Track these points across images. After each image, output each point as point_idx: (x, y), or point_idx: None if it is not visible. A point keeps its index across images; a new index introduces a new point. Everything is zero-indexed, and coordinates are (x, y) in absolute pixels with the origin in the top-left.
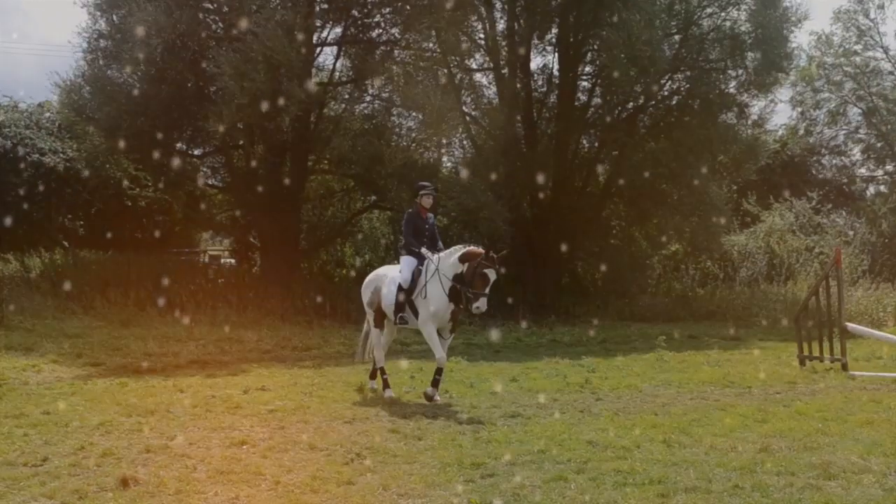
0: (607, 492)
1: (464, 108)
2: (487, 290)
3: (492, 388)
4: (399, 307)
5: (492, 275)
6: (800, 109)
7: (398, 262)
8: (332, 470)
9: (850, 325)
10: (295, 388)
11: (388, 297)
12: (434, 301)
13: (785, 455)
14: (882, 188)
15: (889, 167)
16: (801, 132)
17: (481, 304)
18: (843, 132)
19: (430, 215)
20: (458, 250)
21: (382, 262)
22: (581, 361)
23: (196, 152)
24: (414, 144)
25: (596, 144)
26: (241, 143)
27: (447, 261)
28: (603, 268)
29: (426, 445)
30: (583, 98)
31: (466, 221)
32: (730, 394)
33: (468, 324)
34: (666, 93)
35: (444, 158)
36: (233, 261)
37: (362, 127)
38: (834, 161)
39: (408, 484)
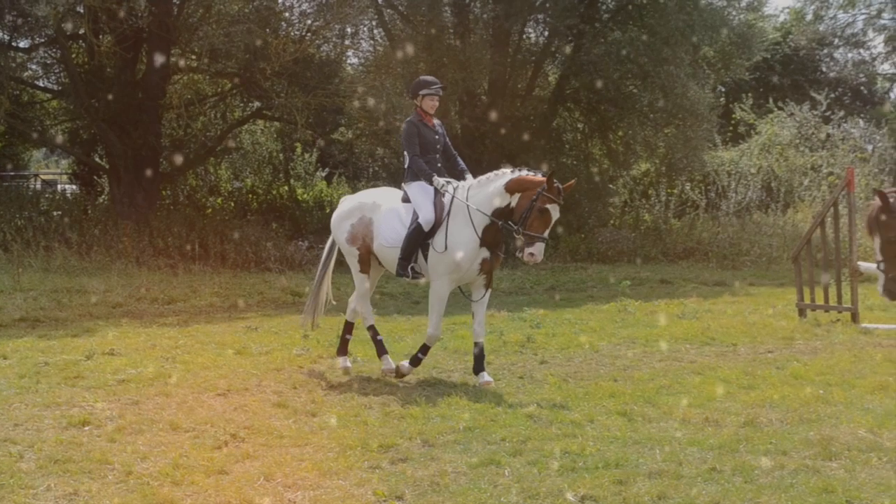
0: (550, 478)
1: None
2: (547, 233)
3: (407, 348)
4: (409, 254)
5: (555, 212)
6: None
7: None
8: (200, 456)
9: (864, 265)
10: (153, 351)
11: (391, 237)
12: (460, 245)
13: (776, 430)
14: None
15: None
16: (809, 17)
17: (538, 252)
18: (863, 17)
19: (438, 122)
20: (501, 176)
21: (270, 188)
22: (522, 314)
23: (21, 44)
24: (309, 35)
25: (545, 34)
26: (81, 32)
27: (484, 189)
28: None
29: (321, 423)
30: None
31: (376, 134)
32: (710, 353)
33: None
34: None
35: (349, 53)
36: (73, 187)
37: (241, 11)
38: (850, 55)
39: (297, 472)
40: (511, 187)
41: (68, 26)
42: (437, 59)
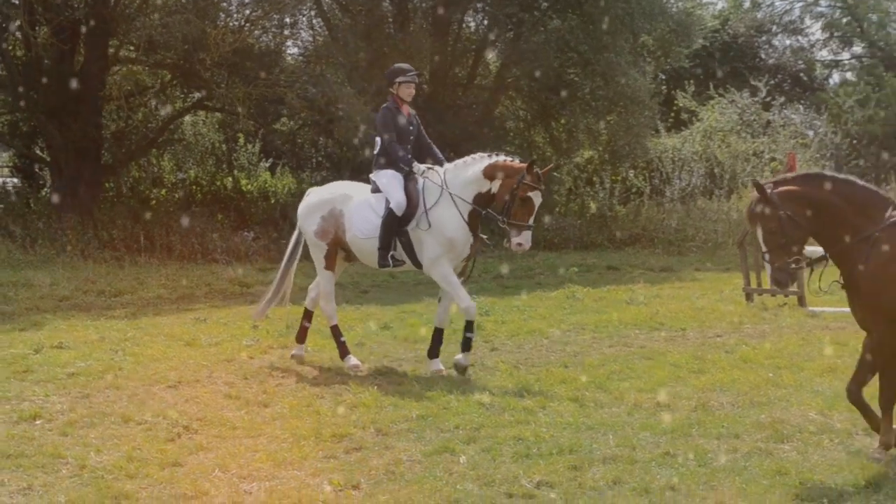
0: (505, 465)
1: None
2: (532, 221)
3: (357, 338)
4: (388, 242)
5: (538, 198)
6: None
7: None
8: (153, 448)
9: (809, 249)
10: (102, 344)
11: (365, 228)
12: (449, 228)
13: (727, 413)
14: (849, 75)
15: (857, 48)
16: (747, 5)
17: (525, 240)
18: (800, 4)
19: (412, 112)
20: (478, 160)
21: (214, 179)
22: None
23: None
24: (248, 24)
25: (485, 23)
26: (17, 23)
27: (461, 174)
28: None
29: (274, 414)
30: None
31: (317, 123)
32: (659, 338)
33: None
34: None
35: (289, 43)
36: (15, 181)
37: (179, 1)
38: (788, 42)
39: (251, 463)
40: (489, 172)
41: (3, 16)
42: (377, 48)
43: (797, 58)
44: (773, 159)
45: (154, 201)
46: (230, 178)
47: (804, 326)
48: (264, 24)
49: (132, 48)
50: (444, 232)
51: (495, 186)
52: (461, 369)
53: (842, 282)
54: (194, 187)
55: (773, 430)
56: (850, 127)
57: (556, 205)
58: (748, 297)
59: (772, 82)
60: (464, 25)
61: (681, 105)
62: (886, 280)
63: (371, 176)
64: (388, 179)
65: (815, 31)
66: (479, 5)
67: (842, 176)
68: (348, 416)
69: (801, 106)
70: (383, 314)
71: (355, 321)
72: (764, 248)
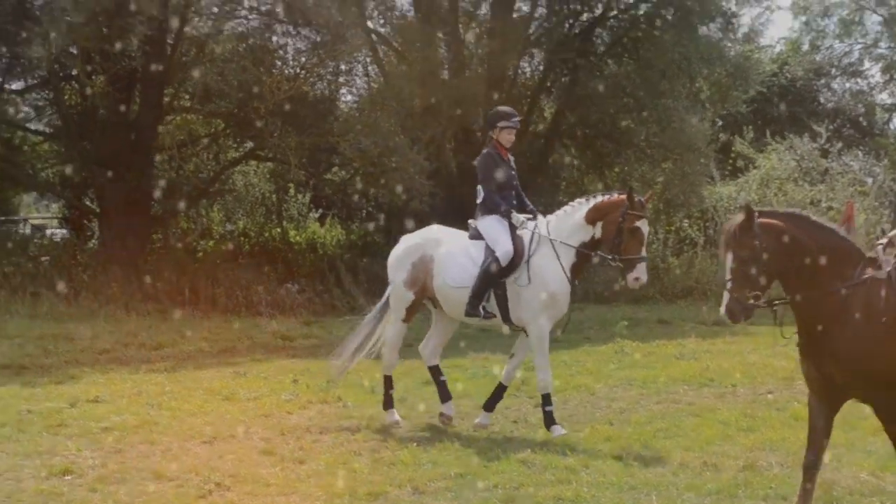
0: None
1: (368, 22)
2: (644, 252)
3: (399, 393)
4: (483, 292)
5: (645, 227)
6: (803, 18)
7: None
8: None
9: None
10: (139, 398)
11: (458, 276)
12: (551, 283)
13: (775, 474)
14: None
15: None
16: (805, 47)
17: (642, 273)
18: (859, 46)
19: (511, 158)
20: (577, 207)
21: (263, 230)
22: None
23: (14, 86)
24: (303, 72)
25: (541, 69)
26: (74, 72)
27: (564, 225)
28: None
29: (310, 471)
30: (524, 8)
31: (370, 174)
32: (708, 395)
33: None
34: None
35: (343, 91)
36: (63, 232)
37: (235, 49)
38: (847, 85)
39: None
40: (591, 217)
41: (62, 67)
42: (432, 94)
43: (857, 101)
44: (830, 208)
45: (201, 253)
46: (279, 230)
47: None
48: (319, 72)
49: (187, 97)
50: (546, 287)
51: (598, 230)
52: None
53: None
54: (242, 238)
55: (822, 491)
56: None
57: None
58: None
59: (831, 127)
60: (519, 71)
61: (737, 152)
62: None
63: (472, 222)
64: (494, 226)
65: (875, 73)
66: (534, 51)
67: (824, 222)
68: (386, 474)
69: (860, 152)
70: (425, 369)
71: (398, 375)
72: (728, 276)
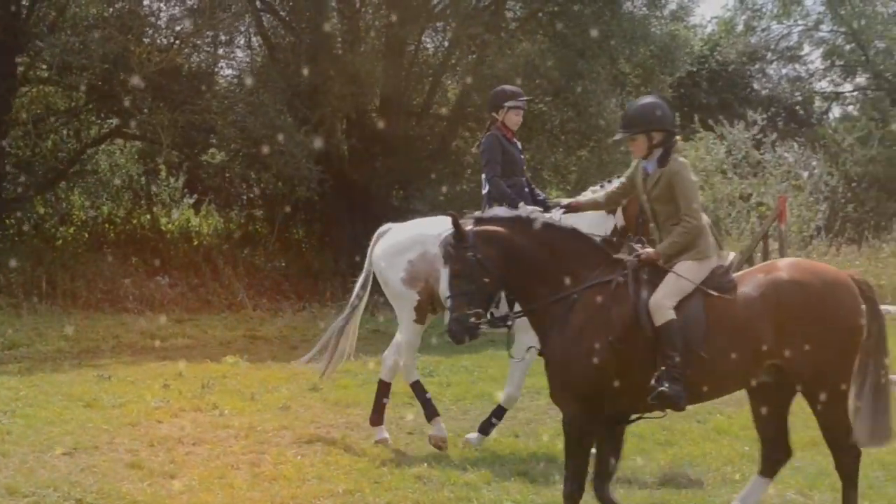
0: None
1: None
2: None
3: (282, 400)
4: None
5: None
6: None
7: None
8: None
9: None
10: None
11: None
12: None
13: (695, 492)
14: (850, 109)
15: (861, 79)
16: (740, 28)
17: None
18: (799, 29)
19: (518, 143)
20: (594, 195)
21: (130, 217)
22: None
23: None
24: (178, 42)
25: (445, 44)
26: None
27: (582, 215)
28: None
29: (181, 487)
30: None
31: (252, 156)
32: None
33: (252, 308)
34: None
35: (222, 63)
36: None
37: (100, 15)
38: (784, 71)
39: None
40: (610, 202)
41: None
42: (323, 70)
43: (794, 89)
44: (760, 203)
45: (60, 241)
46: (148, 216)
47: None
48: (196, 42)
49: (44, 67)
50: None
51: (619, 218)
52: (473, 445)
53: (538, 348)
54: (107, 226)
55: None
56: (850, 168)
57: None
58: None
59: (765, 116)
60: (421, 47)
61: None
62: (576, 352)
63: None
64: None
65: (815, 59)
66: (438, 24)
67: (559, 222)
68: (266, 490)
69: (795, 143)
70: (313, 374)
71: (281, 381)
72: (447, 293)
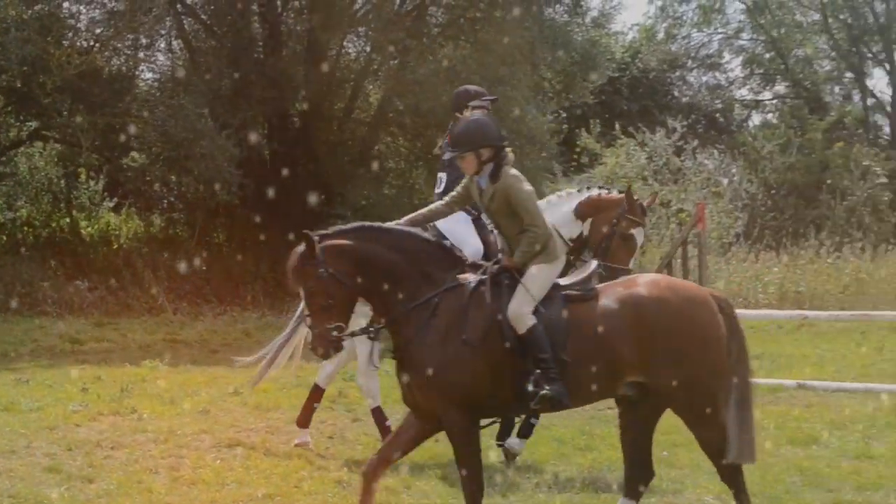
0: None
1: None
2: (633, 264)
3: (202, 404)
4: None
5: (640, 237)
6: (659, 3)
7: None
8: None
9: None
10: None
11: None
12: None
13: (615, 496)
14: (770, 117)
15: (780, 87)
16: (661, 36)
17: None
18: (719, 37)
19: None
20: (566, 198)
21: (49, 220)
22: None
23: None
24: (97, 45)
25: (367, 50)
26: None
27: (552, 212)
28: None
29: (100, 490)
30: None
31: (173, 160)
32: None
33: (172, 312)
34: None
35: (143, 67)
36: None
37: (19, 17)
38: (704, 78)
39: None
40: (583, 211)
41: None
42: (245, 74)
43: (714, 96)
44: (681, 210)
45: None
46: (67, 219)
47: None
48: (116, 45)
49: None
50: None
51: (587, 227)
52: (512, 456)
53: (394, 353)
54: (26, 228)
55: None
56: (769, 175)
57: None
58: None
59: (685, 123)
60: (343, 52)
61: (582, 146)
62: (442, 357)
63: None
64: (456, 222)
65: (735, 67)
66: (360, 30)
67: (408, 229)
68: (185, 495)
69: (715, 150)
70: (233, 377)
71: (201, 385)
72: (306, 311)
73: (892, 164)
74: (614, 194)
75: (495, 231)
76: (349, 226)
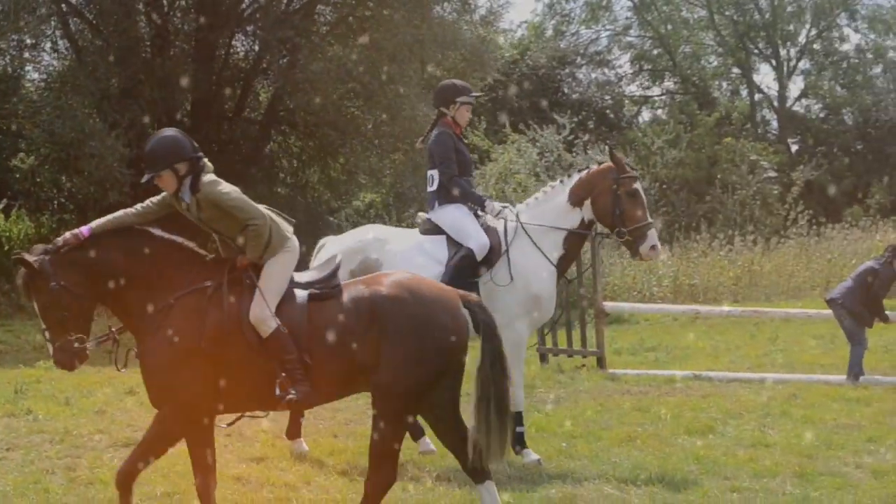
0: None
1: None
2: (650, 217)
3: (98, 404)
4: None
5: (640, 187)
6: (547, 0)
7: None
8: None
9: (610, 305)
10: None
11: None
12: (535, 282)
13: (514, 487)
14: (659, 113)
15: (668, 83)
16: (550, 33)
17: (656, 241)
18: (607, 34)
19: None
20: (556, 190)
21: None
22: None
23: None
24: None
25: (256, 48)
26: None
27: (545, 209)
28: None
29: None
30: None
31: (62, 161)
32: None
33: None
34: None
35: (29, 68)
36: None
37: None
38: (594, 75)
39: None
40: (576, 197)
41: None
42: (133, 74)
43: (603, 93)
44: None
45: None
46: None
47: (603, 391)
48: (0, 46)
49: None
50: (528, 287)
51: (587, 211)
52: (533, 461)
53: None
54: None
55: None
56: (659, 170)
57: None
58: (542, 357)
59: (575, 119)
60: (232, 51)
61: (472, 143)
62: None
63: (423, 214)
64: (459, 216)
65: (624, 63)
66: (249, 28)
67: (151, 230)
68: (82, 495)
69: (606, 146)
70: (129, 377)
71: (96, 385)
72: (43, 325)
73: (780, 158)
74: (595, 167)
75: (217, 239)
76: (77, 235)
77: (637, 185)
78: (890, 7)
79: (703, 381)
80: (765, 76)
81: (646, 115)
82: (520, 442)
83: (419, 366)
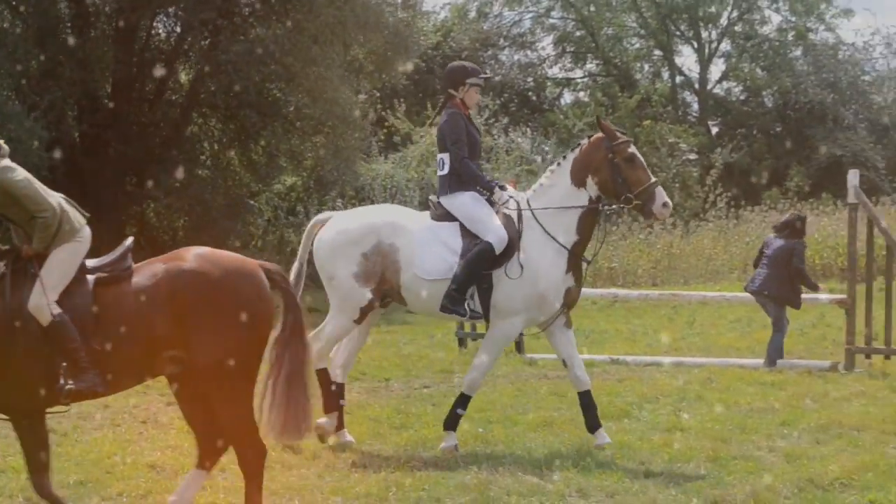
0: None
1: None
2: (651, 175)
3: None
4: (468, 286)
5: (635, 149)
6: None
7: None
8: None
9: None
10: None
11: (436, 268)
12: (543, 278)
13: (430, 474)
14: (581, 95)
15: (591, 65)
16: (472, 15)
17: (665, 197)
18: (530, 15)
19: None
20: (557, 173)
21: None
22: None
23: None
24: None
25: (177, 30)
26: None
27: (551, 195)
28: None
29: None
30: None
31: None
32: (360, 390)
33: None
34: None
35: None
36: None
37: None
38: (516, 57)
39: None
40: (580, 176)
41: None
42: (52, 56)
43: (525, 75)
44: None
45: None
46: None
47: (520, 375)
48: None
49: None
50: (536, 284)
51: (593, 188)
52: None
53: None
54: None
55: (478, 492)
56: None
57: (253, 238)
58: (461, 342)
59: (498, 101)
60: (153, 32)
61: (393, 126)
62: None
63: (439, 199)
64: (475, 206)
65: (547, 45)
66: (170, 10)
67: None
68: None
69: (528, 129)
70: None
71: None
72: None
73: (699, 140)
74: (586, 141)
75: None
76: None
77: (632, 149)
78: None
79: (621, 365)
80: (686, 58)
81: (568, 98)
82: (452, 426)
83: (227, 339)
